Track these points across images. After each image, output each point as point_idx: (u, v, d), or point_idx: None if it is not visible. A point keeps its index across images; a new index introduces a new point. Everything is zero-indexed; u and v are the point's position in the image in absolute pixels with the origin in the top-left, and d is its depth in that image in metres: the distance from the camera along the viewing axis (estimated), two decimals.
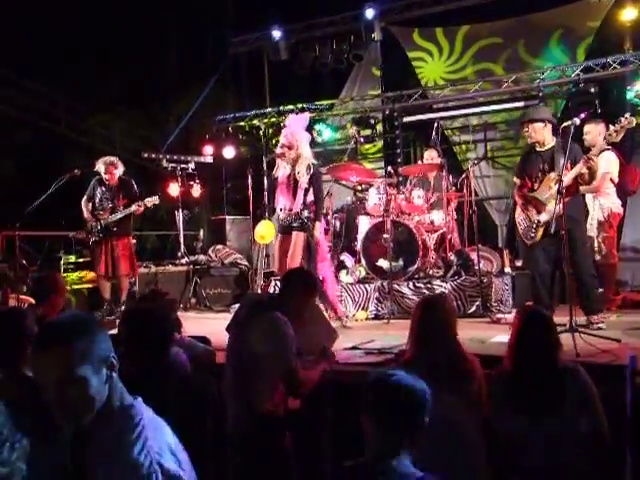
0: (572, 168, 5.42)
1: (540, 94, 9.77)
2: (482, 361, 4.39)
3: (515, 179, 5.99)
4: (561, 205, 4.96)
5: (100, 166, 7.54)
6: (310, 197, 6.31)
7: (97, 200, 7.54)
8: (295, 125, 6.64)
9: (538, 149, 5.73)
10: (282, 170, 6.44)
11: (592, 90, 9.16)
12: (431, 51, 11.36)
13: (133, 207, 7.46)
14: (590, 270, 5.61)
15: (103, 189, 7.54)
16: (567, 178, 5.31)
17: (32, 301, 7.47)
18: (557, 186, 5.24)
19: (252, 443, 3.34)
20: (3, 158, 13.94)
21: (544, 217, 5.52)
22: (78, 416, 1.68)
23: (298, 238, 6.24)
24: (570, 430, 2.86)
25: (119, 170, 7.60)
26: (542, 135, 5.69)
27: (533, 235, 5.63)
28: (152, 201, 7.63)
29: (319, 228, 6.37)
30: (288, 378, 3.45)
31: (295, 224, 6.27)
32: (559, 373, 2.99)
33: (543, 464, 2.84)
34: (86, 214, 7.57)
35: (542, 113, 5.96)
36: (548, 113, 6.11)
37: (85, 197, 7.62)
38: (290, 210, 6.32)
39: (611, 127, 5.40)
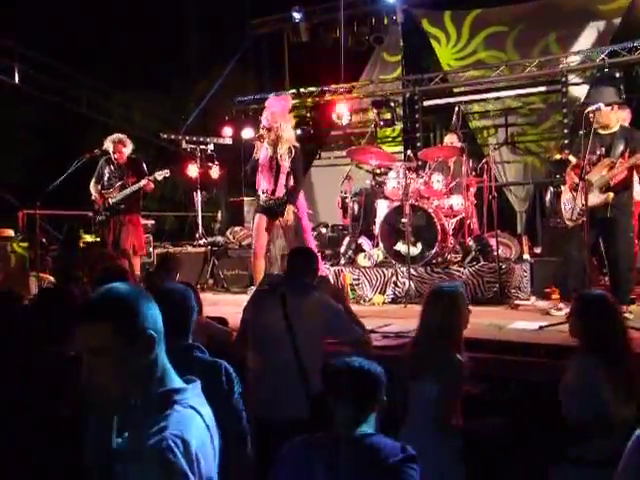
0: (630, 157, 5.24)
1: (563, 79, 9.65)
2: (499, 347, 4.42)
3: (572, 157, 5.73)
4: (610, 193, 4.87)
5: (108, 144, 7.47)
6: (292, 181, 6.35)
7: (105, 179, 7.50)
8: (275, 106, 6.62)
9: (600, 131, 5.44)
10: (263, 152, 6.42)
11: (617, 75, 9.02)
12: (439, 38, 11.29)
13: (142, 182, 7.35)
14: (628, 262, 5.48)
15: (112, 168, 7.50)
16: (624, 165, 5.20)
17: (52, 279, 7.57)
18: (610, 172, 5.18)
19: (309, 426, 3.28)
20: (24, 137, 14.02)
21: (591, 201, 5.24)
22: (109, 393, 1.65)
23: (287, 216, 6.35)
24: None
25: (128, 149, 7.53)
26: (607, 117, 5.42)
27: (576, 218, 5.44)
28: (162, 174, 7.51)
29: (291, 211, 6.39)
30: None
31: (278, 209, 6.35)
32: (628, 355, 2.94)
33: (597, 457, 2.77)
34: (94, 194, 7.52)
35: (607, 95, 5.67)
36: (615, 95, 5.80)
37: (93, 179, 7.57)
38: (272, 194, 6.32)
39: None
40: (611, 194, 5.30)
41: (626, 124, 5.81)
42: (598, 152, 5.40)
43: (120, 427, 1.70)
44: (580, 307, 3.13)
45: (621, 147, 5.30)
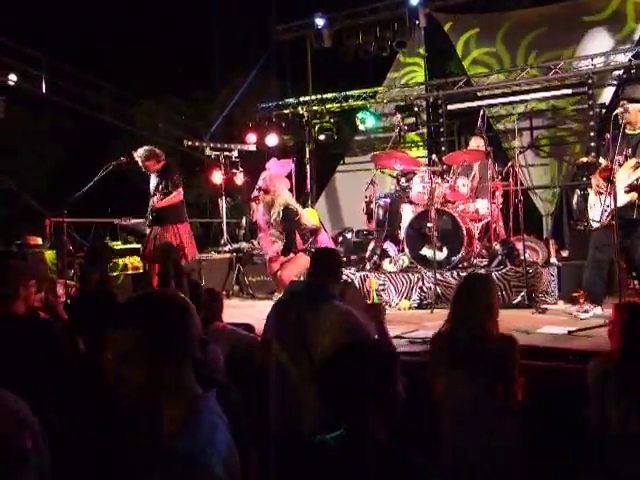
0: None
1: (590, 81, 9.55)
2: (527, 352, 4.36)
3: (602, 159, 5.68)
4: (635, 193, 4.81)
5: (138, 160, 7.42)
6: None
7: (152, 188, 7.48)
8: (275, 169, 6.68)
9: (628, 131, 5.36)
10: (261, 216, 6.59)
11: None
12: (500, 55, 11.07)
13: (155, 198, 7.32)
14: None
15: (154, 178, 7.45)
16: None
17: (77, 286, 7.63)
18: (635, 173, 5.12)
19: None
20: (51, 146, 14.22)
21: (617, 202, 5.13)
22: (135, 395, 1.66)
23: (301, 257, 6.48)
24: None
25: (157, 159, 7.39)
26: (636, 117, 5.36)
27: (602, 219, 5.36)
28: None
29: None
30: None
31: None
32: None
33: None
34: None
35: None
36: None
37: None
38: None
39: None
40: (636, 194, 5.22)
41: None
42: (624, 153, 5.33)
43: (148, 431, 1.71)
44: (628, 318, 3.09)
45: None
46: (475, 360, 3.08)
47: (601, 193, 5.39)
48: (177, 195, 7.38)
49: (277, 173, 6.63)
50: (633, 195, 5.23)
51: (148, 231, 7.45)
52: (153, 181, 7.48)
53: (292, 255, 6.55)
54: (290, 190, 7.66)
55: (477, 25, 11.09)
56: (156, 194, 7.38)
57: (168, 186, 7.37)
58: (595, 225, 5.48)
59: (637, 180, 5.23)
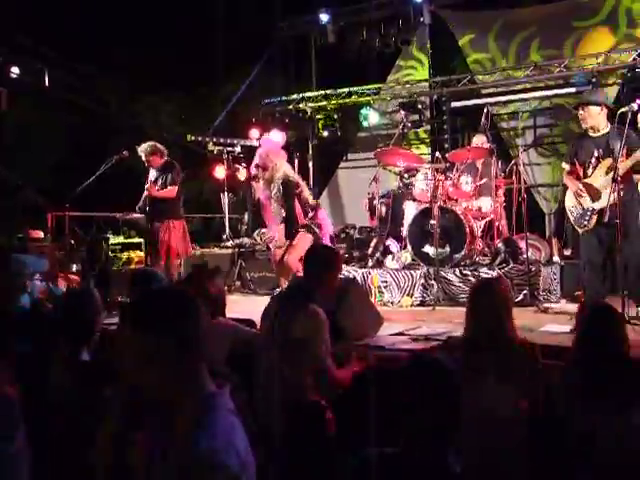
0: (628, 155, 5.24)
1: (593, 79, 9.51)
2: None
3: (564, 164, 5.81)
4: (616, 193, 4.83)
5: (140, 154, 7.48)
6: (299, 207, 6.36)
7: (150, 182, 7.51)
8: (269, 145, 6.60)
9: (592, 134, 5.51)
10: (262, 193, 6.44)
11: None
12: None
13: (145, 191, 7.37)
14: None
15: (154, 172, 7.52)
16: (624, 165, 5.16)
17: (79, 280, 7.65)
18: (612, 173, 5.12)
19: (295, 433, 3.29)
20: (54, 140, 14.21)
21: (598, 204, 5.34)
22: (153, 395, 1.66)
23: (304, 238, 6.29)
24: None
25: (159, 154, 7.47)
26: (597, 120, 5.47)
27: (586, 223, 5.46)
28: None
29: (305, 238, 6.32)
30: (320, 374, 3.42)
31: (301, 229, 6.34)
32: (630, 367, 2.91)
33: (614, 462, 2.76)
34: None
35: (599, 97, 5.72)
36: (604, 97, 5.87)
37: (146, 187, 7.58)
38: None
39: None
40: (615, 195, 5.22)
41: None
42: (596, 154, 5.37)
43: (163, 428, 1.69)
44: (586, 315, 3.11)
45: (617, 146, 5.23)
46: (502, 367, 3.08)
47: (581, 196, 5.44)
48: (171, 191, 7.36)
49: (272, 147, 6.54)
50: (614, 195, 5.23)
51: (150, 226, 7.46)
52: (152, 175, 7.48)
53: (296, 239, 6.38)
54: None
55: (473, 24, 11.06)
56: (153, 187, 7.37)
57: (167, 181, 7.36)
58: (581, 230, 5.53)
59: (617, 179, 5.23)
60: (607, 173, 5.30)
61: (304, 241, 6.25)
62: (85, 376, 2.70)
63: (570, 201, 5.67)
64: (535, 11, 10.54)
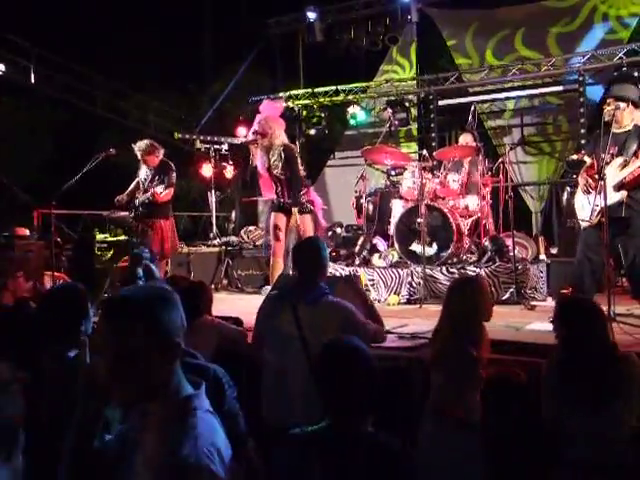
0: None
1: (580, 78, 9.56)
2: (516, 348, 4.37)
3: (586, 158, 5.62)
4: (624, 192, 4.83)
5: (137, 153, 7.42)
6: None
7: (142, 180, 7.46)
8: (268, 111, 6.54)
9: (614, 130, 5.29)
10: (259, 159, 6.32)
11: (636, 74, 8.91)
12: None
13: (148, 194, 7.23)
14: None
15: (145, 170, 7.46)
16: (635, 165, 5.15)
17: (66, 278, 7.59)
18: (623, 171, 5.14)
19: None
20: (40, 137, 14.12)
21: (605, 201, 5.12)
22: (130, 397, 1.63)
23: (305, 221, 6.30)
24: (620, 423, 2.79)
25: (156, 153, 7.40)
26: (622, 115, 5.33)
27: (591, 218, 5.33)
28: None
29: (296, 214, 6.32)
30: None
31: (296, 208, 6.29)
32: (611, 363, 2.91)
33: (590, 458, 2.77)
34: (127, 193, 7.50)
35: (628, 92, 5.60)
36: (634, 93, 5.73)
37: (134, 183, 7.54)
38: (284, 200, 6.31)
39: None
40: (625, 192, 5.24)
41: None
42: (612, 151, 5.32)
43: (140, 432, 1.66)
44: (563, 311, 3.13)
45: (634, 146, 5.23)
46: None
47: (589, 192, 5.40)
48: (168, 194, 7.35)
49: (272, 114, 6.49)
50: (623, 193, 5.24)
51: (135, 225, 7.40)
52: (144, 174, 7.43)
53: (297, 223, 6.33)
54: None
55: (459, 23, 11.13)
56: (149, 188, 7.33)
57: (164, 182, 7.31)
58: (584, 224, 5.47)
59: (625, 178, 5.24)
60: (619, 170, 5.27)
61: (306, 224, 6.23)
62: (73, 374, 2.68)
63: (578, 196, 5.59)
64: (518, 10, 10.59)
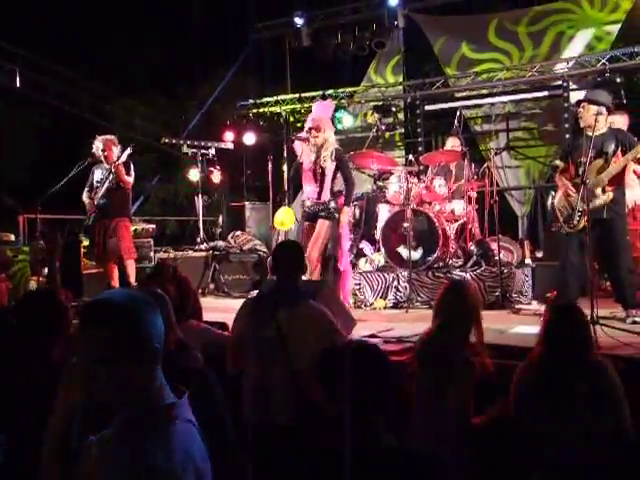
0: (623, 154, 5.26)
1: (564, 84, 9.65)
2: (501, 352, 4.39)
3: (558, 162, 5.70)
4: (608, 194, 4.88)
5: (98, 144, 7.30)
6: (337, 185, 6.26)
7: (95, 182, 7.30)
8: (322, 110, 6.58)
9: (588, 133, 5.37)
10: (306, 157, 6.33)
11: (618, 80, 9.02)
12: (510, 52, 10.88)
13: (111, 175, 7.12)
14: (628, 264, 5.43)
15: (101, 171, 7.32)
16: (616, 166, 5.22)
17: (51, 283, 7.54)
18: (602, 173, 5.19)
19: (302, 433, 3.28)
20: (26, 141, 14.04)
21: (587, 205, 5.17)
22: (107, 400, 1.62)
23: (323, 226, 6.19)
24: (599, 427, 2.82)
25: (118, 148, 7.33)
26: (592, 120, 5.33)
27: (574, 223, 5.39)
28: (126, 153, 7.24)
29: (348, 212, 6.36)
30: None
31: (322, 213, 6.22)
32: (590, 368, 2.95)
33: (569, 462, 2.80)
34: (85, 200, 7.33)
35: (600, 96, 5.66)
36: (606, 98, 5.81)
37: (86, 187, 7.37)
38: (317, 199, 6.25)
39: None
40: (610, 194, 5.29)
41: (624, 129, 5.83)
42: (590, 154, 5.38)
43: (118, 436, 1.64)
44: (551, 317, 3.16)
45: (612, 147, 5.29)
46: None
47: (570, 196, 5.45)
48: (129, 182, 7.24)
49: (324, 114, 6.51)
50: (608, 195, 5.30)
51: (91, 227, 7.26)
52: (99, 176, 7.30)
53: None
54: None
55: (446, 29, 11.23)
56: (100, 189, 7.19)
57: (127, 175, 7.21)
58: (568, 229, 5.51)
59: (605, 181, 5.30)
60: (598, 174, 5.34)
61: (323, 229, 6.19)
62: (56, 374, 2.68)
63: (560, 201, 5.63)
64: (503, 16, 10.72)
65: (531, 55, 10.57)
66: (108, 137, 7.39)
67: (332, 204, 6.21)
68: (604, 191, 5.31)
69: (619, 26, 9.71)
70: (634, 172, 6.24)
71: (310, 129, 6.20)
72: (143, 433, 1.57)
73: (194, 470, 1.54)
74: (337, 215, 6.20)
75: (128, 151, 7.27)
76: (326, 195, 6.21)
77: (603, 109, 5.41)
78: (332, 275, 6.24)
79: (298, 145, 6.43)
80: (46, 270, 7.91)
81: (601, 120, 5.38)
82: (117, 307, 1.63)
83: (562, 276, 5.58)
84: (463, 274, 6.86)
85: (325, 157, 6.16)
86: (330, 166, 6.18)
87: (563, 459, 2.80)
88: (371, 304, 7.00)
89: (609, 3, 9.84)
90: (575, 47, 9.97)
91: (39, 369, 2.70)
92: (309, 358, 3.38)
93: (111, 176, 7.16)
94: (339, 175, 6.25)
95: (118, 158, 7.22)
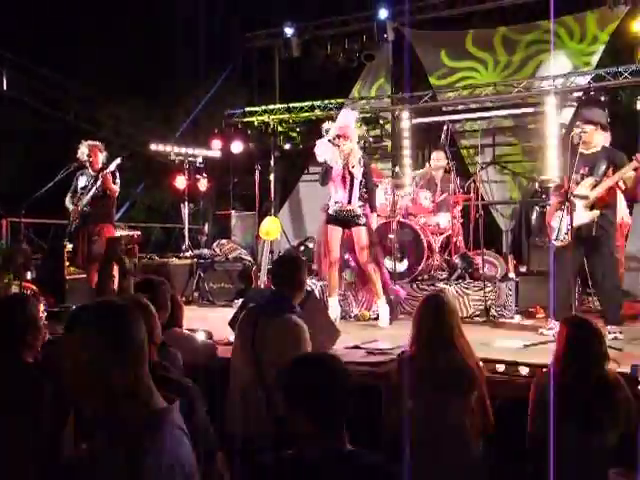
0: (614, 174, 5.35)
1: (550, 101, 9.74)
2: (485, 365, 4.41)
3: (556, 178, 5.83)
4: (596, 211, 4.93)
5: (84, 149, 7.23)
6: (364, 192, 6.42)
7: (79, 188, 7.23)
8: (347, 119, 6.65)
9: (583, 151, 5.44)
10: (334, 163, 6.38)
11: (602, 98, 9.13)
12: (486, 60, 11.09)
13: (98, 182, 7.04)
14: (615, 281, 5.51)
15: (86, 177, 7.24)
16: (605, 184, 5.32)
17: (35, 288, 7.49)
18: (594, 191, 5.26)
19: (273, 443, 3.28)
20: (10, 145, 13.96)
21: (576, 221, 5.30)
22: (91, 406, 1.62)
23: (362, 233, 6.38)
24: (607, 444, 2.85)
25: (103, 155, 7.28)
26: (591, 137, 5.47)
27: (564, 238, 5.44)
28: (115, 164, 7.15)
29: (375, 218, 6.55)
30: None
31: (355, 220, 6.38)
32: (607, 385, 2.98)
33: (576, 476, 2.81)
34: (68, 205, 7.26)
35: (595, 115, 5.76)
36: (602, 116, 5.88)
37: (69, 193, 7.30)
38: (347, 204, 6.37)
39: None
40: (597, 212, 5.36)
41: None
42: (582, 171, 5.45)
43: (107, 443, 1.64)
44: (569, 332, 3.15)
45: (604, 166, 5.38)
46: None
47: (563, 211, 5.50)
48: (115, 190, 7.19)
49: (350, 122, 6.59)
50: (595, 213, 5.37)
51: (75, 233, 7.18)
52: (83, 182, 7.23)
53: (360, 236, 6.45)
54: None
55: (435, 43, 11.36)
56: (85, 195, 7.11)
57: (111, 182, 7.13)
58: (558, 244, 5.56)
59: (596, 197, 5.37)
60: (589, 190, 5.39)
61: (360, 236, 6.40)
62: (27, 378, 2.68)
63: (551, 215, 5.71)
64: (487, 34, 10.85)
65: (505, 62, 10.79)
66: (94, 143, 7.34)
67: (360, 210, 6.38)
68: (593, 208, 5.37)
69: (598, 57, 9.90)
70: (617, 187, 6.30)
71: (338, 136, 6.30)
72: (133, 437, 1.56)
73: (183, 475, 1.53)
74: (368, 217, 6.42)
75: (117, 161, 7.22)
76: (355, 201, 6.37)
77: (599, 127, 5.49)
78: (376, 274, 6.46)
79: (325, 150, 6.49)
80: (29, 274, 7.86)
81: (595, 138, 5.48)
82: (102, 310, 1.65)
83: (565, 291, 5.54)
84: (447, 287, 6.89)
85: (354, 165, 6.25)
86: (358, 173, 6.31)
87: (571, 474, 2.79)
88: (355, 315, 7.01)
89: (588, 36, 10.03)
90: (551, 69, 10.10)
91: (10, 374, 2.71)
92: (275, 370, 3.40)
93: (97, 183, 7.11)
94: (366, 182, 6.43)
95: (105, 166, 7.17)
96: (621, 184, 5.55)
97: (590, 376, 2.95)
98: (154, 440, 1.56)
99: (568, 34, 10.21)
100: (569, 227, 5.32)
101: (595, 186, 5.38)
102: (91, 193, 7.11)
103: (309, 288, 7.02)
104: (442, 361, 3.20)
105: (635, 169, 5.28)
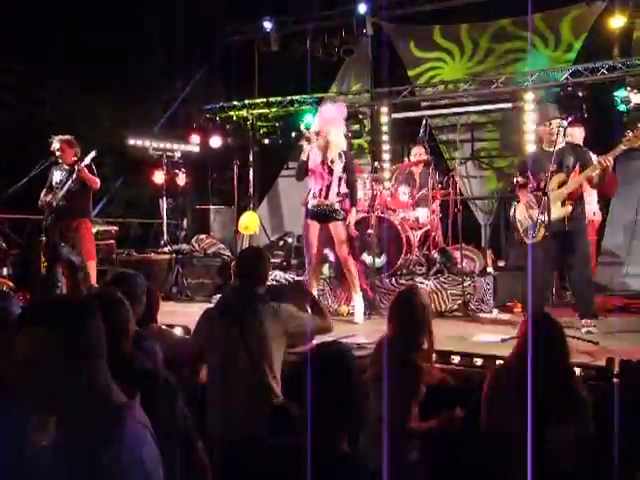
0: (581, 170, 5.41)
1: (528, 96, 9.80)
2: (463, 359, 4.44)
3: (518, 177, 5.85)
4: (568, 207, 4.97)
5: (55, 144, 7.16)
6: (343, 187, 6.37)
7: (54, 183, 7.15)
8: (327, 113, 6.63)
9: (547, 149, 5.57)
10: (313, 156, 6.36)
11: (580, 94, 9.20)
12: (452, 51, 11.15)
13: (73, 175, 6.96)
14: (586, 275, 5.57)
15: (61, 172, 7.17)
16: (575, 181, 5.36)
17: (10, 284, 7.40)
18: (563, 187, 5.30)
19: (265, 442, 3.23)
20: None
21: (547, 217, 5.34)
22: (44, 406, 1.60)
23: (339, 228, 6.36)
24: (569, 436, 2.87)
25: (74, 150, 7.19)
26: (551, 134, 5.51)
27: (535, 234, 5.51)
28: (90, 157, 7.09)
29: (354, 214, 6.51)
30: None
31: (333, 215, 6.36)
32: (566, 379, 3.00)
33: (536, 467, 2.82)
34: (43, 200, 7.16)
35: (551, 111, 5.83)
36: (555, 112, 5.96)
37: (45, 188, 7.21)
38: (324, 199, 6.34)
39: (630, 133, 5.28)
40: (570, 207, 5.42)
41: (579, 142, 5.98)
42: (551, 168, 5.50)
43: (64, 443, 1.61)
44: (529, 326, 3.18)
45: (571, 162, 5.44)
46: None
47: (532, 208, 5.56)
48: (96, 181, 7.13)
49: (329, 116, 6.54)
50: (567, 208, 5.42)
51: (49, 228, 7.09)
52: (58, 177, 7.16)
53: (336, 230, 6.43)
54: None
55: (413, 37, 11.39)
56: (60, 190, 7.04)
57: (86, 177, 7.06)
58: (529, 241, 5.61)
59: (568, 192, 5.43)
60: (558, 187, 5.46)
61: (339, 230, 6.37)
62: None
63: (520, 213, 5.75)
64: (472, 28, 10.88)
65: (470, 52, 10.88)
66: (65, 137, 7.22)
67: (338, 205, 6.35)
68: (564, 204, 5.43)
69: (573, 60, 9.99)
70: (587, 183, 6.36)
71: (317, 133, 6.28)
72: (91, 434, 1.54)
73: (142, 474, 1.51)
74: (346, 213, 6.37)
75: (92, 154, 7.14)
76: (333, 197, 6.32)
77: (564, 123, 5.53)
78: (355, 269, 6.50)
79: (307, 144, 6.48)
80: (4, 270, 7.78)
81: (561, 134, 5.53)
82: (53, 308, 1.63)
83: (539, 287, 5.59)
84: (425, 282, 6.91)
85: (333, 159, 6.22)
86: (338, 167, 6.25)
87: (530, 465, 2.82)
88: (334, 310, 7.01)
89: (563, 43, 10.11)
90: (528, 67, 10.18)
91: None
92: (276, 361, 3.40)
93: (73, 176, 7.03)
94: (344, 176, 6.38)
95: (80, 160, 7.08)
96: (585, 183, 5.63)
97: (548, 371, 2.96)
98: (112, 437, 1.53)
99: (542, 42, 10.27)
100: (542, 222, 5.38)
101: (564, 182, 5.45)
102: (66, 187, 7.02)
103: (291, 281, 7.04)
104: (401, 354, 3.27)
105: (603, 169, 5.33)
